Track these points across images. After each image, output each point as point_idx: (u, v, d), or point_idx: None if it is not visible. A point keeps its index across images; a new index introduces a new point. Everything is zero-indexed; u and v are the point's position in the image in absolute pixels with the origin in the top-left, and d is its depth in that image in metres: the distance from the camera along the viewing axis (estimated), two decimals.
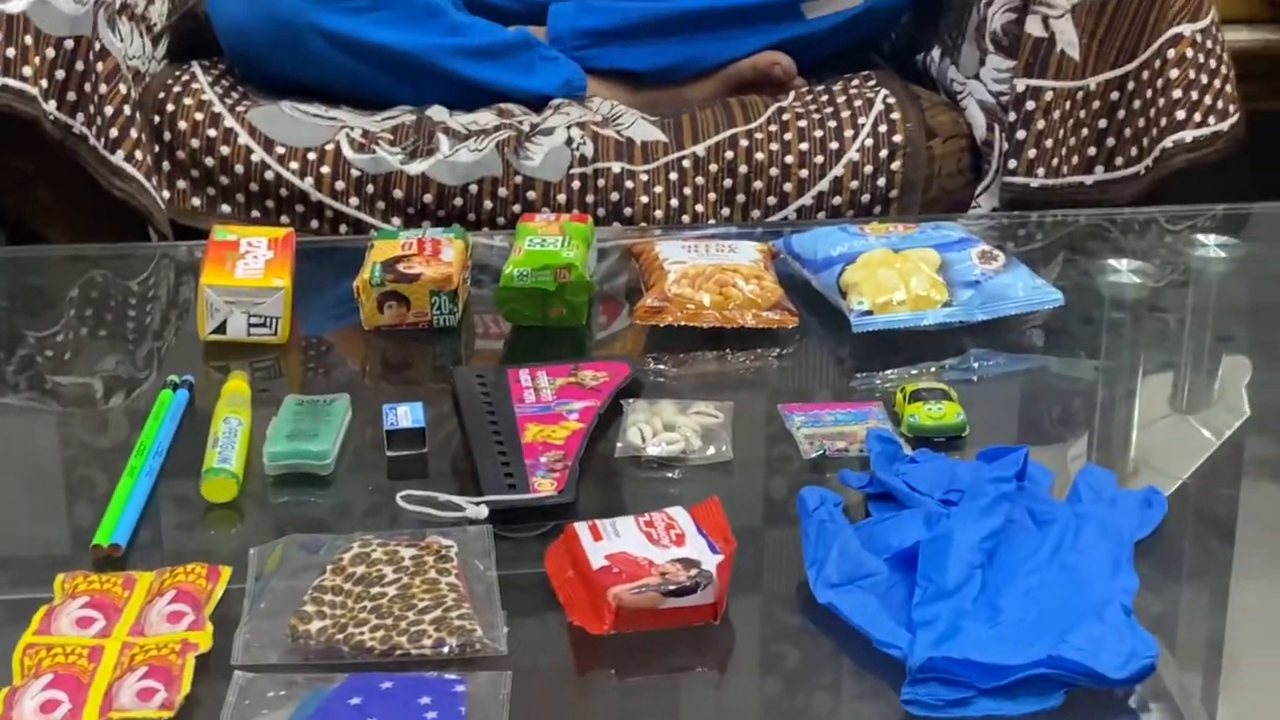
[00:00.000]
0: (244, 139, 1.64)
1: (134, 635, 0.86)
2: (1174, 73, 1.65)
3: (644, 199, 1.64)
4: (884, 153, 1.67)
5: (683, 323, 1.25)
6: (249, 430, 1.07)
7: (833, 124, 1.68)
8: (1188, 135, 1.66)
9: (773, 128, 1.67)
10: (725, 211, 1.66)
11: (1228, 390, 1.26)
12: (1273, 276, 1.46)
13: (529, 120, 1.68)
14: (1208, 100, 1.66)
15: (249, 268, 1.25)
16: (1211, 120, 1.66)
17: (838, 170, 1.66)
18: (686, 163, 1.66)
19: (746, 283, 1.27)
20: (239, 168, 1.64)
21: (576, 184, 1.63)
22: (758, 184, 1.66)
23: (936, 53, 1.82)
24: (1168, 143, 1.66)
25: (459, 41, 1.72)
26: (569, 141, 1.64)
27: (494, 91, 1.72)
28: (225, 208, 1.65)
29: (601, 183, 1.63)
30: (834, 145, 1.67)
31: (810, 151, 1.66)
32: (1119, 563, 0.91)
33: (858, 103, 1.71)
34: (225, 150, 1.64)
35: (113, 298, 1.40)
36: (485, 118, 1.69)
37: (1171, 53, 1.65)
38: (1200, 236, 1.47)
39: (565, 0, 1.82)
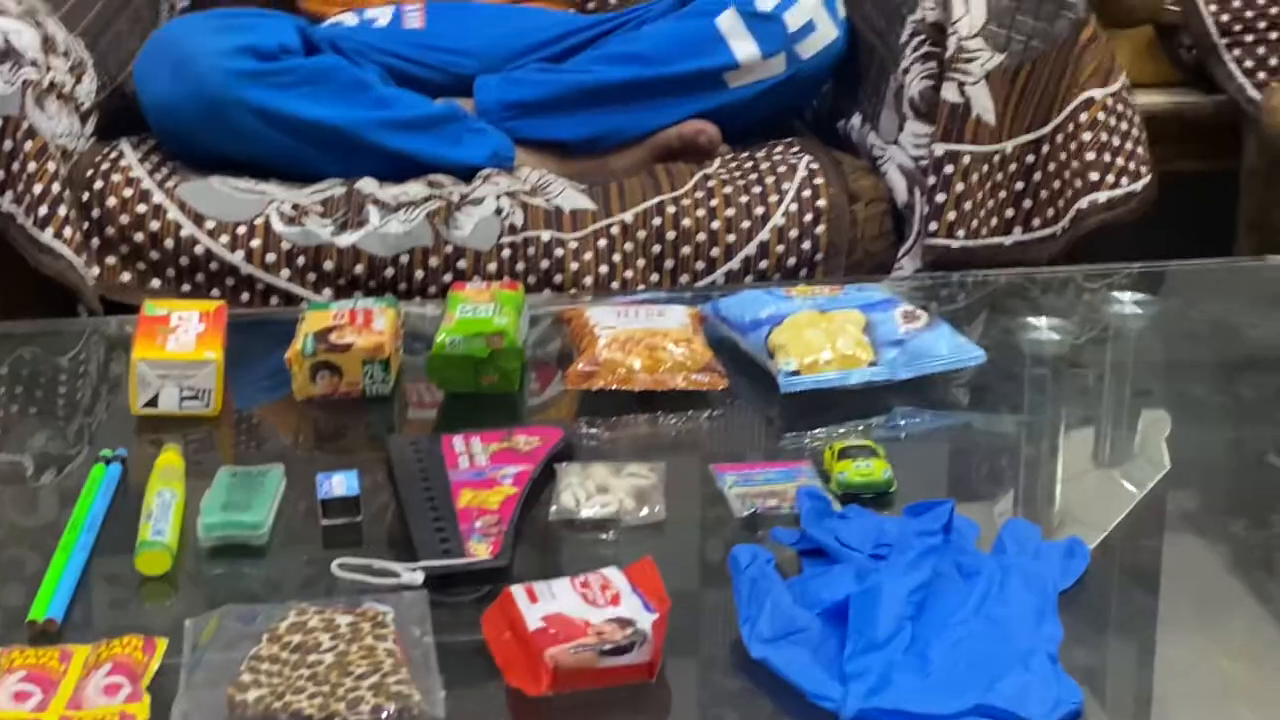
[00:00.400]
0: (173, 214, 1.65)
1: (71, 709, 0.86)
2: (1087, 135, 1.70)
3: (573, 266, 1.65)
4: (808, 217, 1.70)
5: (614, 386, 1.26)
6: (183, 502, 1.07)
7: (758, 190, 1.71)
8: (1102, 196, 1.70)
9: (699, 194, 1.70)
10: (654, 277, 1.67)
11: (1147, 443, 1.29)
12: (1187, 332, 1.49)
13: (458, 191, 1.69)
14: (1120, 162, 1.71)
15: (180, 341, 1.25)
16: (1125, 181, 1.71)
17: (763, 235, 1.69)
18: (615, 230, 1.67)
19: (676, 346, 1.29)
20: (169, 243, 1.64)
21: (507, 252, 1.65)
22: (685, 250, 1.68)
23: (857, 119, 1.85)
24: (1083, 203, 1.70)
25: (387, 115, 1.74)
26: (498, 211, 1.66)
27: (423, 163, 1.73)
28: (156, 282, 1.64)
29: (531, 251, 1.65)
30: (759, 210, 1.69)
31: (736, 217, 1.69)
32: (1043, 612, 0.93)
33: (781, 169, 1.73)
34: (155, 225, 1.64)
35: (43, 374, 1.40)
36: (415, 189, 1.70)
37: (1084, 116, 1.69)
38: (1117, 294, 1.50)
39: (491, 73, 1.84)
